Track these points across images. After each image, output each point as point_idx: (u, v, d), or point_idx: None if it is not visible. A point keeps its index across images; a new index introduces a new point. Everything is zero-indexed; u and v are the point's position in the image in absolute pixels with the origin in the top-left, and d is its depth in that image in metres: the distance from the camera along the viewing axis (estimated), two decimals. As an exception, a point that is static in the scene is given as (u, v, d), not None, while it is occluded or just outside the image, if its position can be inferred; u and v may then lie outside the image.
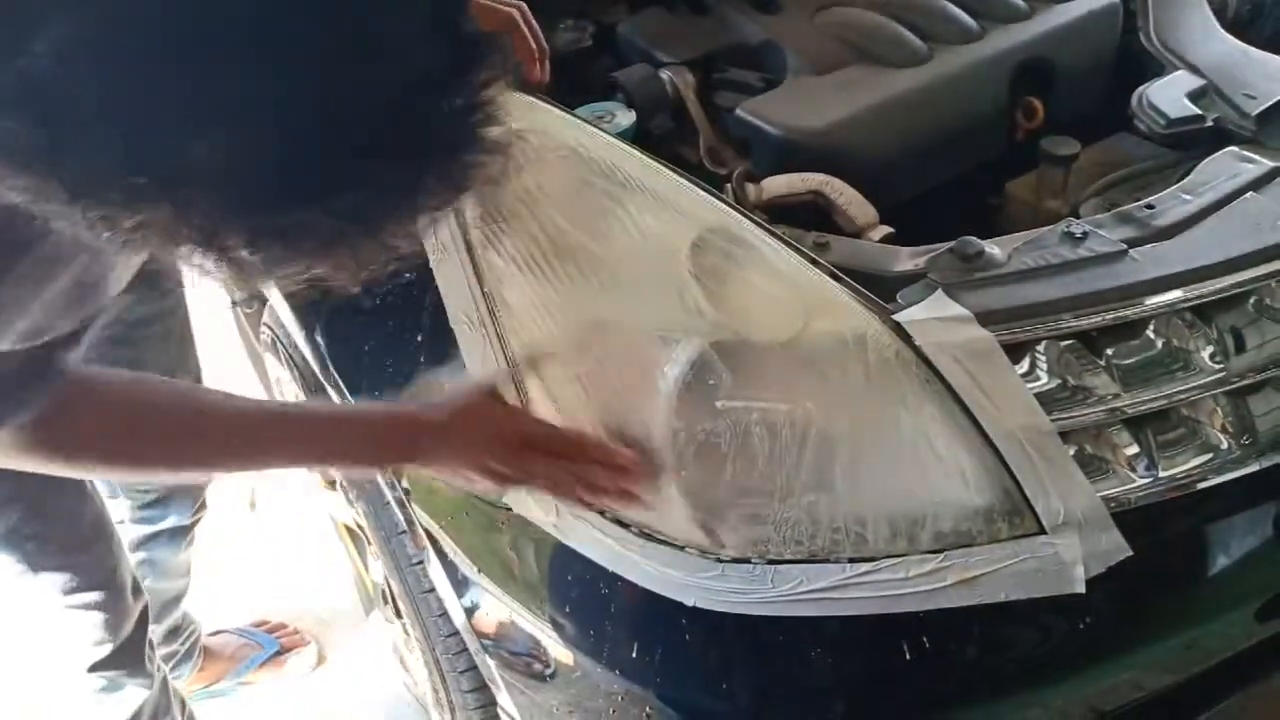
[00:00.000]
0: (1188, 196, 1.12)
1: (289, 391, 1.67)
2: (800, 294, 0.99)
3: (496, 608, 1.15)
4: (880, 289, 1.00)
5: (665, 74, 1.42)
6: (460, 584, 1.20)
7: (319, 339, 1.32)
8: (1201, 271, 1.04)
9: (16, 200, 0.52)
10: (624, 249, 1.02)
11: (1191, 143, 1.30)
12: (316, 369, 1.35)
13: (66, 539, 1.29)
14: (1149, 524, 0.99)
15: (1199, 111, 1.30)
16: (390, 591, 1.59)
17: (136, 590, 1.41)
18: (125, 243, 0.54)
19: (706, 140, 1.41)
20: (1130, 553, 0.96)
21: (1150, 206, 1.11)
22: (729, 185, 1.23)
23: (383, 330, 1.20)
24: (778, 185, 1.24)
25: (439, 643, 1.38)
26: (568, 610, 1.06)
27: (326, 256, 0.57)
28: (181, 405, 0.95)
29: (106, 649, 1.37)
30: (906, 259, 1.08)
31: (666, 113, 1.43)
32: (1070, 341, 1.00)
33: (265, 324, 1.66)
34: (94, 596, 1.32)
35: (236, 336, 2.11)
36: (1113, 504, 0.98)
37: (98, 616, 1.34)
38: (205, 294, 1.86)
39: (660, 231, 1.02)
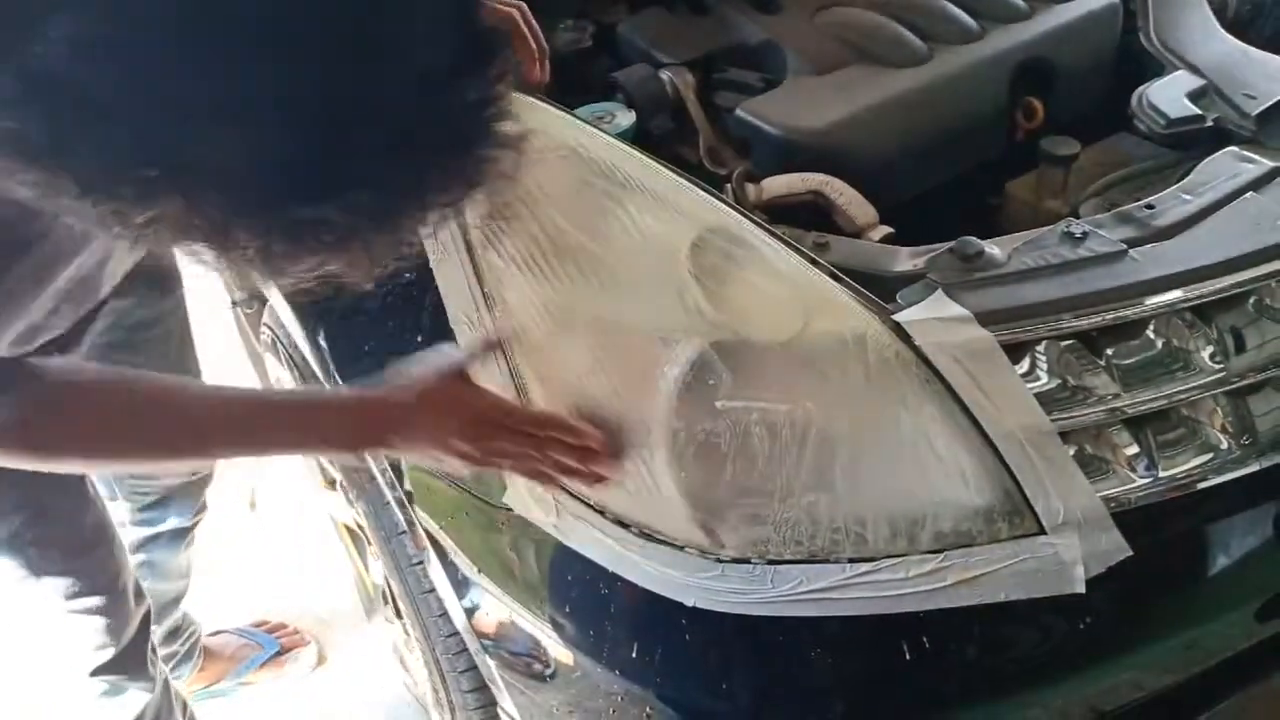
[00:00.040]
0: (1188, 196, 1.12)
1: (289, 392, 1.67)
2: (800, 294, 0.99)
3: (497, 608, 1.15)
4: (880, 289, 1.00)
5: (665, 74, 1.42)
6: (460, 584, 1.20)
7: (320, 341, 1.32)
8: (1201, 271, 1.04)
9: (26, 195, 0.52)
10: (624, 249, 1.02)
11: (1191, 143, 1.30)
12: (317, 369, 1.35)
13: (68, 544, 1.29)
14: (1149, 524, 0.99)
15: (1199, 111, 1.30)
16: (390, 592, 1.59)
17: (139, 594, 1.41)
18: (139, 237, 0.54)
19: (706, 140, 1.41)
20: (1130, 553, 0.96)
21: (1150, 206, 1.11)
22: (729, 185, 1.23)
23: (383, 330, 1.20)
24: (778, 185, 1.24)
25: (439, 643, 1.38)
26: (568, 610, 1.06)
27: (340, 252, 0.57)
28: (154, 396, 0.95)
29: (109, 653, 1.37)
30: (906, 259, 1.08)
31: (666, 113, 1.42)
32: (1070, 341, 1.00)
33: (265, 324, 1.66)
34: (96, 601, 1.32)
35: (236, 336, 2.11)
36: (1113, 504, 0.98)
37: (100, 621, 1.34)
38: (205, 294, 1.86)
39: (660, 231, 1.02)
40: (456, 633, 1.33)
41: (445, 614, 1.32)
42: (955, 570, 0.94)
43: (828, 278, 0.99)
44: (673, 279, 0.99)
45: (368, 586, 1.90)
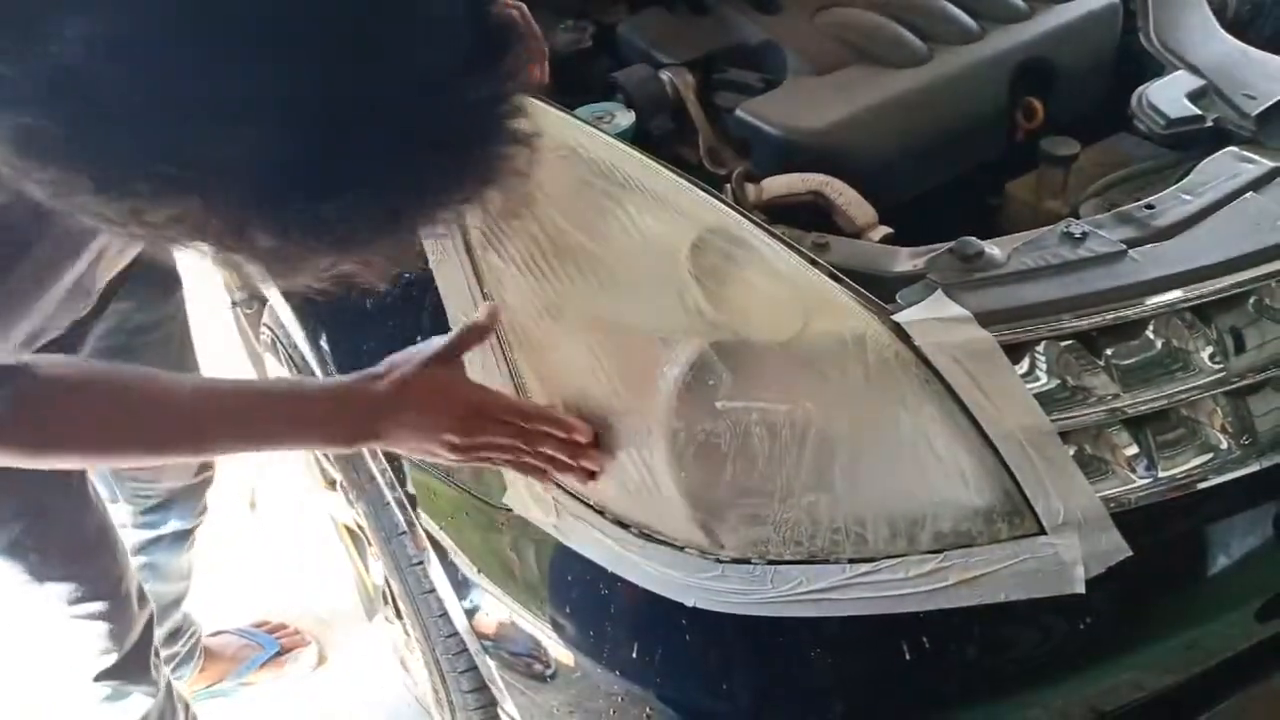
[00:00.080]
0: (1187, 196, 1.12)
1: (289, 392, 1.67)
2: (800, 294, 0.99)
3: (497, 608, 1.15)
4: (880, 289, 1.00)
5: (665, 74, 1.42)
6: (461, 585, 1.20)
7: (320, 341, 1.32)
8: (1201, 271, 1.04)
9: (40, 195, 0.53)
10: (624, 249, 1.02)
11: (1191, 143, 1.29)
12: (317, 370, 1.35)
13: (70, 549, 1.28)
14: (1149, 524, 0.99)
15: (1199, 112, 1.30)
16: (391, 592, 1.59)
17: (142, 599, 1.41)
18: (157, 235, 0.54)
19: (706, 141, 1.41)
20: (1130, 553, 0.96)
21: (1150, 206, 1.11)
22: (729, 185, 1.23)
23: (383, 330, 1.20)
24: (777, 186, 1.24)
25: (439, 643, 1.39)
26: (568, 611, 1.06)
27: (355, 250, 0.57)
28: (149, 390, 0.94)
29: (112, 658, 1.37)
30: (906, 259, 1.08)
31: (666, 113, 1.42)
32: (1070, 342, 1.00)
33: (265, 324, 1.66)
34: (99, 606, 1.32)
35: (236, 336, 2.11)
36: (1113, 504, 0.98)
37: (103, 626, 1.34)
38: (205, 294, 1.86)
39: (660, 231, 1.02)
40: (456, 633, 1.33)
41: (445, 614, 1.32)
42: (955, 570, 0.94)
43: (827, 278, 0.99)
44: (672, 279, 0.99)
45: (368, 587, 1.90)
